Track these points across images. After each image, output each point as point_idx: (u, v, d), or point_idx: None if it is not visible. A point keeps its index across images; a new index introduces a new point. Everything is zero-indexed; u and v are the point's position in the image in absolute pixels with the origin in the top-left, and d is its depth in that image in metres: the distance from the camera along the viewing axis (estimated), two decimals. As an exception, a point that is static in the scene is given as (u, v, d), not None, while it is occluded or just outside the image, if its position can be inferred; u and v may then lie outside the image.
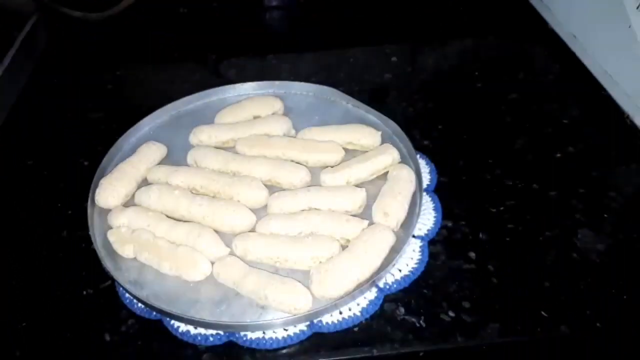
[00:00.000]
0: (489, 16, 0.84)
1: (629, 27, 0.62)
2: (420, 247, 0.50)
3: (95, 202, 0.53)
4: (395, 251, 0.48)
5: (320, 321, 0.44)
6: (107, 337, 0.45)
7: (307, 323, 0.44)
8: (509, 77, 0.72)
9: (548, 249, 0.50)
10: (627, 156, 0.60)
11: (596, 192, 0.56)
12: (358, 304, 0.45)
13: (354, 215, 0.51)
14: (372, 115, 0.63)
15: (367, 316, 0.45)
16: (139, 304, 0.46)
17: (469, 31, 0.80)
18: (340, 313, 0.45)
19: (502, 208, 0.54)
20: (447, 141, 0.63)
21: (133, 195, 0.54)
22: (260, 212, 0.52)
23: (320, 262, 0.46)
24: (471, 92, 0.70)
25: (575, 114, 0.66)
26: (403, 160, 0.57)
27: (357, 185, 0.54)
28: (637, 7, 0.61)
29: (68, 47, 0.80)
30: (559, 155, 0.60)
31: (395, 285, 0.47)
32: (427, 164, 0.59)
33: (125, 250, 0.48)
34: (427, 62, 0.75)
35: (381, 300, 0.46)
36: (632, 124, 0.63)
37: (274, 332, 0.44)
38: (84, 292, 0.48)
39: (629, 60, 0.63)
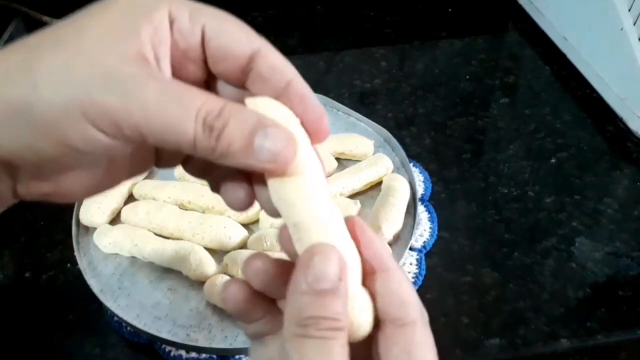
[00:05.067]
0: (478, 19, 0.83)
1: (621, 29, 0.61)
2: (417, 260, 0.49)
3: (80, 220, 0.51)
4: (391, 266, 0.47)
5: (317, 341, 0.43)
6: (96, 363, 0.43)
7: (303, 344, 0.42)
8: (500, 80, 0.71)
9: (546, 259, 0.49)
10: (621, 160, 0.60)
11: (592, 198, 0.55)
12: (355, 322, 0.44)
13: (348, 229, 0.50)
14: (363, 122, 0.62)
15: (365, 334, 0.43)
16: (128, 328, 0.44)
17: (459, 34, 0.79)
18: (337, 332, 0.43)
19: (497, 217, 0.53)
20: (440, 148, 0.62)
21: (119, 213, 0.52)
22: (252, 227, 0.51)
23: (316, 280, 0.45)
24: (462, 96, 0.69)
25: (568, 118, 0.65)
26: (396, 169, 0.56)
27: (351, 197, 0.53)
28: (629, 9, 0.61)
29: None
30: (553, 160, 0.60)
31: (392, 302, 0.45)
32: (420, 172, 0.58)
33: None
34: (417, 66, 0.74)
35: (379, 318, 0.45)
36: (626, 128, 0.63)
37: (269, 354, 0.42)
38: (70, 316, 0.46)
39: (621, 62, 0.63)
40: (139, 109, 0.19)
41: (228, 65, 0.23)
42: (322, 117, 0.23)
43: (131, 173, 0.26)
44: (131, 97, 0.19)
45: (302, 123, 0.23)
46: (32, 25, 0.77)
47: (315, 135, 0.23)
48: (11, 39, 0.73)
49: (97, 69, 0.19)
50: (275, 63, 0.23)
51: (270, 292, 0.25)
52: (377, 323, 0.24)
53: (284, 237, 0.24)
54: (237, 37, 0.22)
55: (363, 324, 0.23)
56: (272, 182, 0.23)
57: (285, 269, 0.24)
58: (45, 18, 0.76)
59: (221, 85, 0.24)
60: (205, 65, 0.23)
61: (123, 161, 0.25)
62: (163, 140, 0.20)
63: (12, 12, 0.76)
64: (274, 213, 0.24)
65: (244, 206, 0.25)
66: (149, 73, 0.20)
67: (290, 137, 0.21)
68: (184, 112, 0.20)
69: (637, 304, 0.46)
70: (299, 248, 0.23)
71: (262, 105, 0.22)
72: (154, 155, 0.26)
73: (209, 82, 0.24)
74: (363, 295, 0.24)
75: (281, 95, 0.23)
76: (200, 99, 0.20)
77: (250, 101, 0.23)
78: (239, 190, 0.24)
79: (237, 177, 0.25)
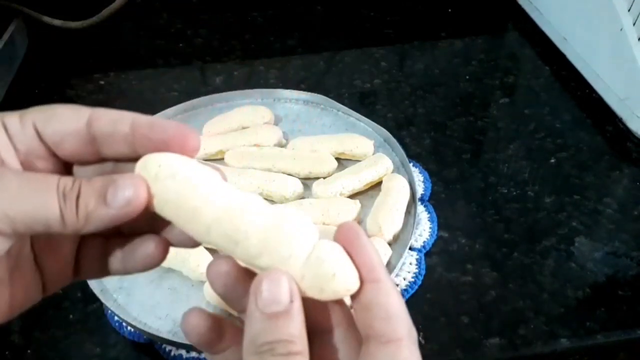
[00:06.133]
0: (478, 19, 0.83)
1: (621, 29, 0.61)
2: (417, 259, 0.49)
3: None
4: (392, 265, 0.47)
5: (317, 341, 0.43)
6: (96, 363, 0.43)
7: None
8: (500, 80, 0.72)
9: (546, 259, 0.49)
10: (621, 160, 0.60)
11: (592, 198, 0.55)
12: (355, 322, 0.44)
13: (348, 229, 0.50)
14: (363, 122, 0.62)
15: (365, 334, 0.44)
16: (129, 328, 0.44)
17: (459, 34, 0.79)
18: (337, 332, 0.43)
19: (497, 217, 0.54)
20: (440, 148, 0.62)
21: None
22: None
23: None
24: (462, 96, 0.69)
25: (568, 118, 0.65)
26: (396, 169, 0.56)
27: (351, 197, 0.53)
28: (629, 10, 0.61)
29: (49, 57, 0.77)
30: (553, 160, 0.60)
31: (392, 302, 0.45)
32: (420, 172, 0.58)
33: None
34: (417, 66, 0.74)
35: (379, 317, 0.45)
36: (625, 128, 0.63)
37: (269, 354, 0.42)
38: (70, 316, 0.46)
39: (621, 63, 0.63)
40: (4, 199, 0.21)
41: (71, 144, 0.23)
42: (179, 130, 0.23)
43: (12, 307, 0.24)
44: None
45: (168, 142, 0.23)
46: (32, 25, 0.78)
47: (185, 147, 0.23)
48: (11, 39, 0.73)
49: None
50: (110, 117, 0.23)
51: (232, 301, 0.25)
52: (364, 338, 0.23)
53: (214, 274, 0.24)
54: (65, 117, 0.23)
55: (337, 277, 0.22)
56: (168, 212, 0.23)
57: (249, 275, 0.23)
58: (45, 18, 0.76)
59: (78, 170, 0.25)
60: (55, 157, 0.24)
61: (1, 288, 0.24)
62: (34, 221, 0.21)
63: (12, 12, 0.76)
64: (189, 242, 0.24)
65: (160, 257, 0.25)
66: (2, 168, 0.22)
67: (137, 181, 0.22)
68: (46, 192, 0.21)
69: (637, 304, 0.46)
70: (238, 251, 0.22)
71: (141, 161, 0.23)
72: (39, 281, 0.25)
73: (66, 172, 0.24)
74: (331, 247, 0.23)
75: (133, 138, 0.23)
76: (55, 179, 0.22)
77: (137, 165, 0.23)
78: (147, 246, 0.25)
79: (140, 238, 0.25)
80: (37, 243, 0.25)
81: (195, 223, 0.22)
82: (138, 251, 0.25)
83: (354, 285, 0.23)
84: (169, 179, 0.22)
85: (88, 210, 0.21)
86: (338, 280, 0.22)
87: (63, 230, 0.21)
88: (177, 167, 0.23)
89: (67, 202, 0.21)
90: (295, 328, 0.21)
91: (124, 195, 0.21)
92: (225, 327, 0.25)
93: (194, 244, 0.24)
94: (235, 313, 0.28)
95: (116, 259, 0.25)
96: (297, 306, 0.22)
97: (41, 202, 0.21)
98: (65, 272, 0.26)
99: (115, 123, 0.23)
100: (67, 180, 0.22)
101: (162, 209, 0.23)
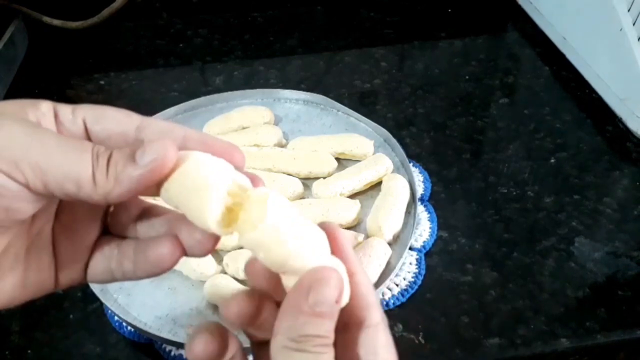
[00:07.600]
0: (478, 19, 0.83)
1: (621, 29, 0.61)
2: (417, 259, 0.49)
3: (80, 220, 0.51)
4: (392, 265, 0.47)
5: (317, 341, 0.43)
6: (96, 363, 0.43)
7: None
8: (500, 80, 0.72)
9: (546, 259, 0.50)
10: (620, 160, 0.60)
11: (591, 198, 0.55)
12: (355, 322, 0.44)
13: (349, 229, 0.50)
14: (363, 122, 0.62)
15: (365, 334, 0.44)
16: (129, 327, 0.44)
17: (459, 34, 0.79)
18: (337, 332, 0.43)
19: (497, 217, 0.54)
20: (440, 148, 0.62)
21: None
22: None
23: (316, 280, 0.45)
24: (462, 96, 0.69)
25: (568, 118, 0.65)
26: (396, 169, 0.56)
27: (351, 197, 0.53)
28: (629, 10, 0.61)
29: (49, 57, 0.77)
30: (552, 160, 0.60)
31: (393, 301, 0.46)
32: (420, 172, 0.58)
33: None
34: (417, 66, 0.74)
35: (379, 317, 0.45)
36: (625, 128, 0.63)
37: (269, 354, 0.42)
38: (70, 316, 0.46)
39: (620, 62, 0.63)
40: (41, 153, 0.21)
41: (116, 144, 0.24)
42: (229, 147, 0.25)
43: (25, 288, 0.25)
44: (34, 140, 0.22)
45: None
46: (32, 26, 0.78)
47: (232, 163, 0.25)
48: (11, 39, 0.73)
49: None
50: (162, 127, 0.25)
51: (271, 291, 0.25)
52: (343, 326, 0.25)
53: (252, 270, 0.25)
54: (116, 118, 0.24)
55: (344, 293, 0.24)
56: (175, 196, 0.23)
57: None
58: (45, 18, 0.76)
59: None
60: None
61: (15, 262, 0.24)
62: (66, 178, 0.22)
63: (12, 12, 0.76)
64: (199, 248, 0.25)
65: (173, 258, 0.25)
66: (43, 127, 0.23)
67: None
68: (82, 151, 0.22)
69: (637, 304, 0.46)
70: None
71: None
72: (53, 269, 0.26)
73: None
74: (337, 265, 0.24)
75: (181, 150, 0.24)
76: (90, 143, 0.23)
77: None
78: (162, 245, 0.25)
79: (155, 238, 0.25)
80: (59, 224, 0.25)
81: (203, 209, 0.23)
82: (151, 250, 0.25)
83: (348, 299, 0.25)
84: (181, 159, 0.23)
85: (117, 171, 0.22)
86: (343, 296, 0.24)
87: (92, 193, 0.22)
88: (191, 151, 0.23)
89: (100, 162, 0.22)
90: (333, 326, 0.23)
91: (152, 153, 0.22)
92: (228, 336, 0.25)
93: (203, 250, 0.25)
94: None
95: (128, 259, 0.26)
96: (339, 307, 0.23)
97: (76, 159, 0.22)
98: (78, 263, 0.26)
99: (164, 134, 0.24)
100: (100, 146, 0.23)
101: (168, 189, 0.23)
